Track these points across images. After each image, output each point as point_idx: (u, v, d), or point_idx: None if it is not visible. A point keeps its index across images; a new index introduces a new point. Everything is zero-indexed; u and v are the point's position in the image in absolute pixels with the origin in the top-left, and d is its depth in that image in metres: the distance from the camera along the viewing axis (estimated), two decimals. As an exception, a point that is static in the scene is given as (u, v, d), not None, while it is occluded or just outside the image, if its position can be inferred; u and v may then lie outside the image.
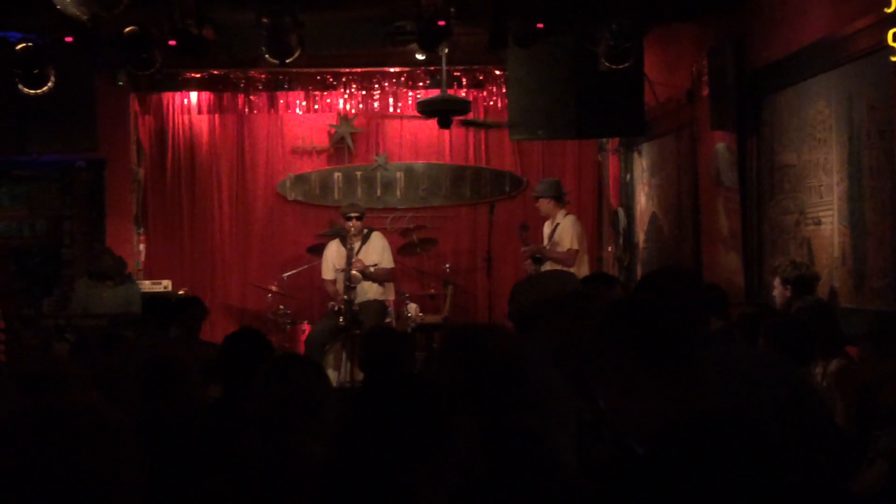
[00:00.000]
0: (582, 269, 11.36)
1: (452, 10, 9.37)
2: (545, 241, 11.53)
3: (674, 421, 2.41)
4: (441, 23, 9.35)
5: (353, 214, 11.67)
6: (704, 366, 2.67)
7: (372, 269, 11.62)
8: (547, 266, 11.31)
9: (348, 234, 11.66)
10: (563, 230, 11.38)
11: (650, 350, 2.51)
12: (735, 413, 2.42)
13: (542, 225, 11.82)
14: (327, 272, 12.01)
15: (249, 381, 4.05)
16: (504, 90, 12.85)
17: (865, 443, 5.31)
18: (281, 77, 13.51)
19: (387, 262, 11.89)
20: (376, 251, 11.83)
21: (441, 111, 11.41)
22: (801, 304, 6.88)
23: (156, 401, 4.41)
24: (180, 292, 12.92)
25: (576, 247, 11.30)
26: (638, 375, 2.49)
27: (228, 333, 5.52)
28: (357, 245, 11.71)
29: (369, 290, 11.70)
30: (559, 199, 11.60)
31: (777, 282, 7.42)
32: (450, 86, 12.50)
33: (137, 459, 2.06)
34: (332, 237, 12.43)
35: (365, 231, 11.92)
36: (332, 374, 11.20)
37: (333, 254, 11.94)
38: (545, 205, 11.54)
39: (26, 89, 10.00)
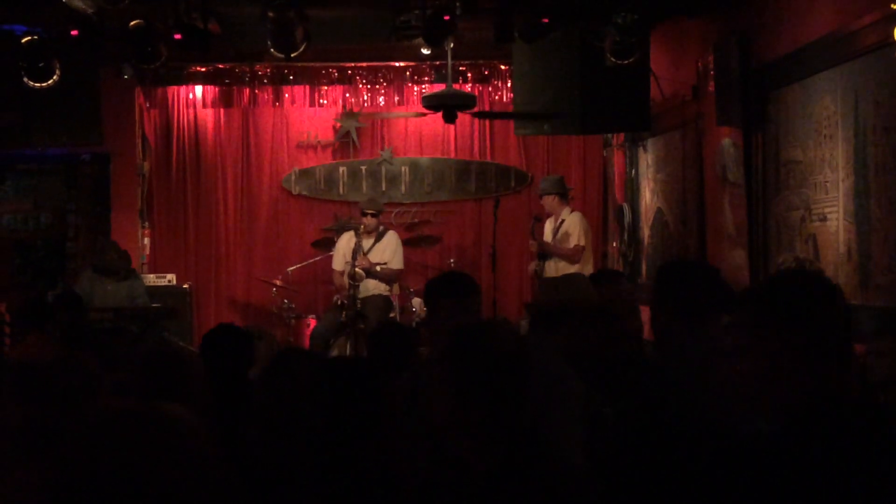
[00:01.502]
0: (587, 266, 11.36)
1: (458, 4, 9.36)
2: (549, 238, 11.52)
3: (823, 399, 2.47)
4: (446, 17, 9.34)
5: (369, 211, 11.70)
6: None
7: (378, 269, 11.61)
8: (552, 262, 11.30)
9: (360, 229, 11.67)
10: (570, 226, 11.38)
11: (829, 328, 2.55)
12: (874, 403, 2.51)
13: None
14: (337, 263, 12.01)
15: (234, 378, 4.02)
16: (509, 85, 12.85)
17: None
18: (286, 71, 13.49)
19: (396, 263, 11.90)
20: (388, 250, 11.83)
21: (446, 106, 11.40)
22: None
23: (156, 396, 4.38)
24: (186, 285, 12.94)
25: (583, 243, 11.31)
26: (811, 351, 2.52)
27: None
28: (368, 242, 11.72)
29: (371, 285, 11.69)
30: (564, 195, 11.61)
31: None
32: (455, 80, 12.48)
33: (222, 475, 2.06)
34: (338, 232, 12.43)
35: (381, 228, 11.93)
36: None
37: (345, 245, 11.93)
38: (550, 202, 11.55)
39: (31, 82, 10.01)
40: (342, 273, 11.86)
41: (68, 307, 8.58)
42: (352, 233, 11.97)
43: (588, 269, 11.42)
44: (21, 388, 3.48)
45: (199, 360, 4.76)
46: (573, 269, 11.14)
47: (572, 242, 11.31)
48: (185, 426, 2.02)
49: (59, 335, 8.02)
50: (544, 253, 11.35)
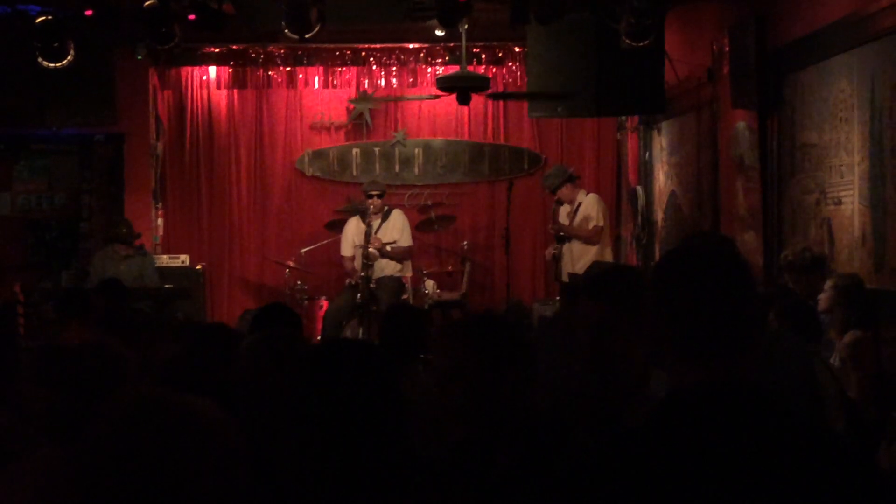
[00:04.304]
0: (605, 248, 11.36)
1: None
2: (565, 223, 11.47)
3: (684, 389, 2.27)
4: (461, -1, 9.32)
5: (374, 192, 11.68)
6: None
7: (389, 248, 11.62)
8: (570, 245, 11.27)
9: (368, 211, 11.67)
10: (587, 207, 11.35)
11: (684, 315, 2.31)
12: (751, 386, 2.29)
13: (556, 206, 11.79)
14: (346, 249, 12.01)
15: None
16: (524, 67, 12.82)
17: (884, 422, 5.31)
18: (300, 52, 13.50)
19: (405, 240, 11.89)
20: (396, 229, 11.82)
21: (460, 87, 11.37)
22: (840, 279, 6.81)
23: (201, 373, 4.32)
24: (199, 266, 12.96)
25: (601, 223, 11.28)
26: (675, 341, 2.31)
27: (246, 308, 5.47)
28: (377, 223, 11.71)
29: (386, 267, 11.70)
30: (572, 179, 11.56)
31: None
32: (469, 62, 12.46)
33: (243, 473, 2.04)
34: (351, 213, 12.44)
35: (385, 208, 11.92)
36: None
37: (353, 231, 11.94)
38: (564, 192, 11.48)
39: (46, 63, 10.00)
40: (352, 258, 11.87)
41: (107, 293, 8.58)
42: (357, 218, 11.98)
43: (607, 250, 11.42)
44: (48, 371, 3.49)
45: (239, 335, 4.71)
46: (592, 250, 11.13)
47: (591, 224, 11.28)
48: (210, 420, 2.02)
49: (99, 321, 8.03)
50: (562, 236, 11.32)
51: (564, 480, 2.33)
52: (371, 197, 11.68)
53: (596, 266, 5.04)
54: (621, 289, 3.46)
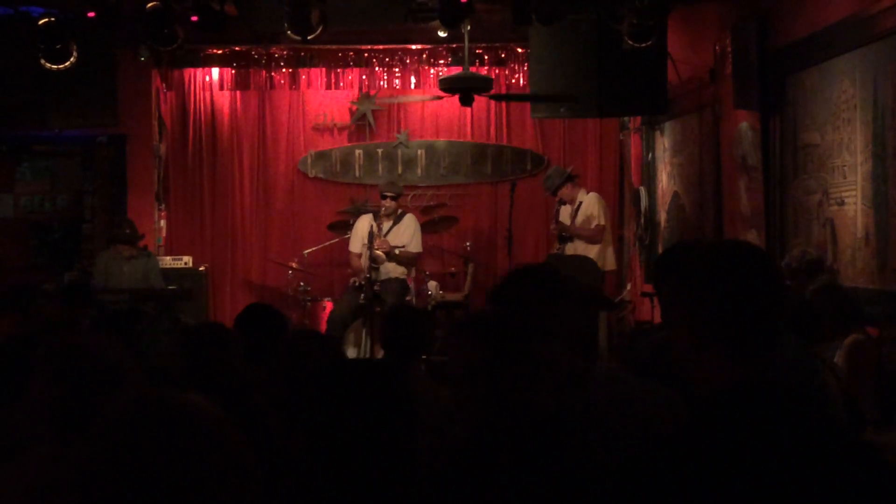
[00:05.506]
0: (608, 247, 11.34)
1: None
2: (567, 222, 11.46)
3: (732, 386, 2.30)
4: (463, 0, 9.31)
5: (388, 194, 11.67)
6: None
7: (397, 252, 11.58)
8: (572, 244, 11.27)
9: (381, 212, 11.66)
10: (588, 206, 11.34)
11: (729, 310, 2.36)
12: (789, 389, 2.33)
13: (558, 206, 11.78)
14: (355, 245, 11.95)
15: (262, 359, 3.99)
16: (526, 68, 12.80)
17: (887, 422, 5.31)
18: (303, 54, 13.49)
19: (414, 246, 11.83)
20: (407, 234, 11.78)
21: (463, 89, 11.36)
22: (815, 286, 6.86)
23: (195, 371, 4.31)
24: (202, 267, 12.96)
25: (603, 223, 11.28)
26: (713, 333, 2.35)
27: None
28: (387, 225, 11.70)
29: (392, 270, 11.67)
30: (571, 179, 11.56)
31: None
32: (472, 63, 12.44)
33: (249, 469, 2.04)
34: (353, 215, 12.41)
35: (399, 212, 11.91)
36: (352, 352, 11.20)
37: (364, 228, 11.82)
38: (565, 192, 11.48)
39: (48, 64, 10.01)
40: (359, 255, 11.83)
41: (67, 298, 8.52)
42: (370, 216, 11.93)
43: (609, 250, 11.40)
44: (50, 367, 3.49)
45: (237, 335, 4.72)
46: (595, 249, 11.12)
47: (594, 223, 11.27)
48: (212, 420, 2.01)
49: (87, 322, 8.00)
50: (565, 236, 11.31)
51: (615, 482, 2.35)
52: (385, 198, 11.67)
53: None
54: (528, 292, 3.47)
